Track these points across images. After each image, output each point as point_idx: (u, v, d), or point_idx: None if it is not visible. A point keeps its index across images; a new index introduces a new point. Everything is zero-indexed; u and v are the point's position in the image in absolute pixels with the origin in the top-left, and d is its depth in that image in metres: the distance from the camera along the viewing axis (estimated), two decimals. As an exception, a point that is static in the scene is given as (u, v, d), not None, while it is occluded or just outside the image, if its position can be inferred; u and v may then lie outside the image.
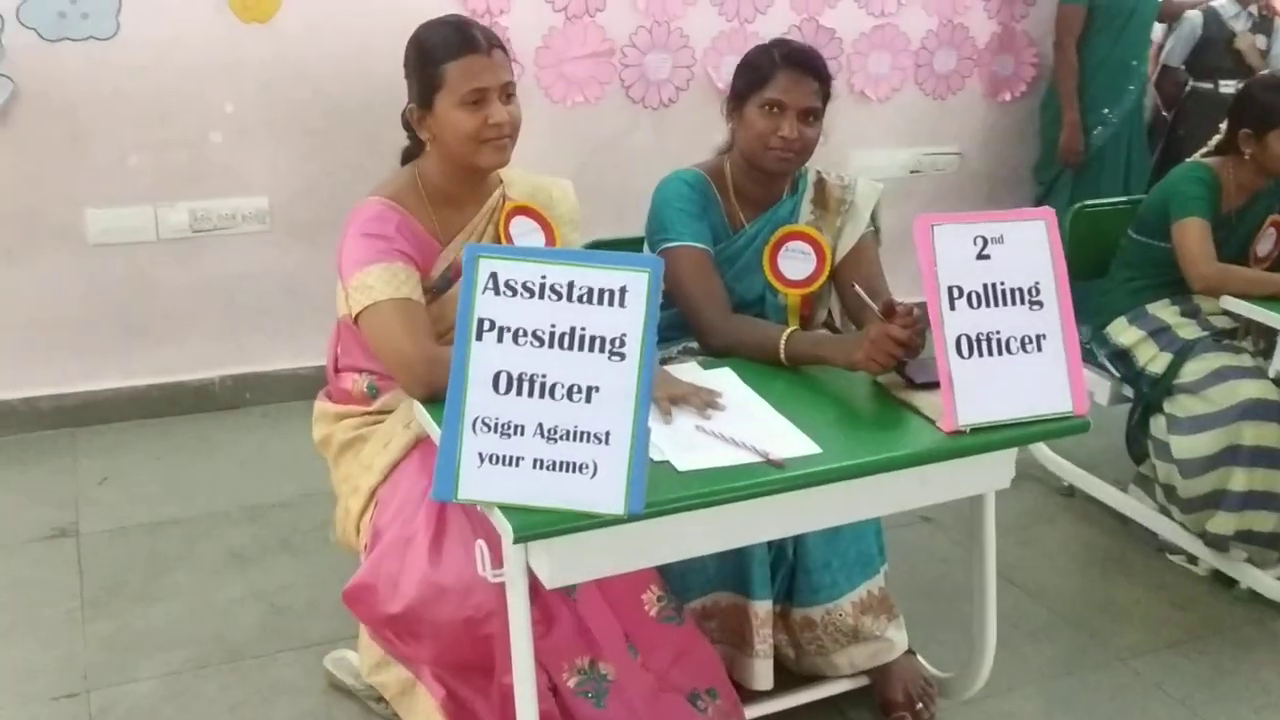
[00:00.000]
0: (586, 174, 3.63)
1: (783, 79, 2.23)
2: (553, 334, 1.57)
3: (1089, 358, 3.06)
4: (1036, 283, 1.94)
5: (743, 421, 1.87)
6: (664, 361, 2.19)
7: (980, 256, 1.92)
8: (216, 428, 3.43)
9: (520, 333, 1.57)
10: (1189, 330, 2.85)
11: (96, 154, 3.21)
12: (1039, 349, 1.93)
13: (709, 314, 2.20)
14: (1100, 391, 3.02)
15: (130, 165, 3.25)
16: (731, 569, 2.20)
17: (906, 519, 3.07)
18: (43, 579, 2.64)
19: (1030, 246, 1.95)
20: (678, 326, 2.31)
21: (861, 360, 1.97)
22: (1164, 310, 2.92)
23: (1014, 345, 1.92)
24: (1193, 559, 2.89)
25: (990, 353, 1.90)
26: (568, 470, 1.57)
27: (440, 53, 1.95)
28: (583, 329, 1.57)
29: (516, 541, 1.56)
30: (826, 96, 2.29)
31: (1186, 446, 2.75)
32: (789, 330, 2.09)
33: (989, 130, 4.41)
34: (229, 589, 2.62)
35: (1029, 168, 4.50)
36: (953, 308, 1.89)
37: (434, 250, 2.04)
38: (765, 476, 1.71)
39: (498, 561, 1.69)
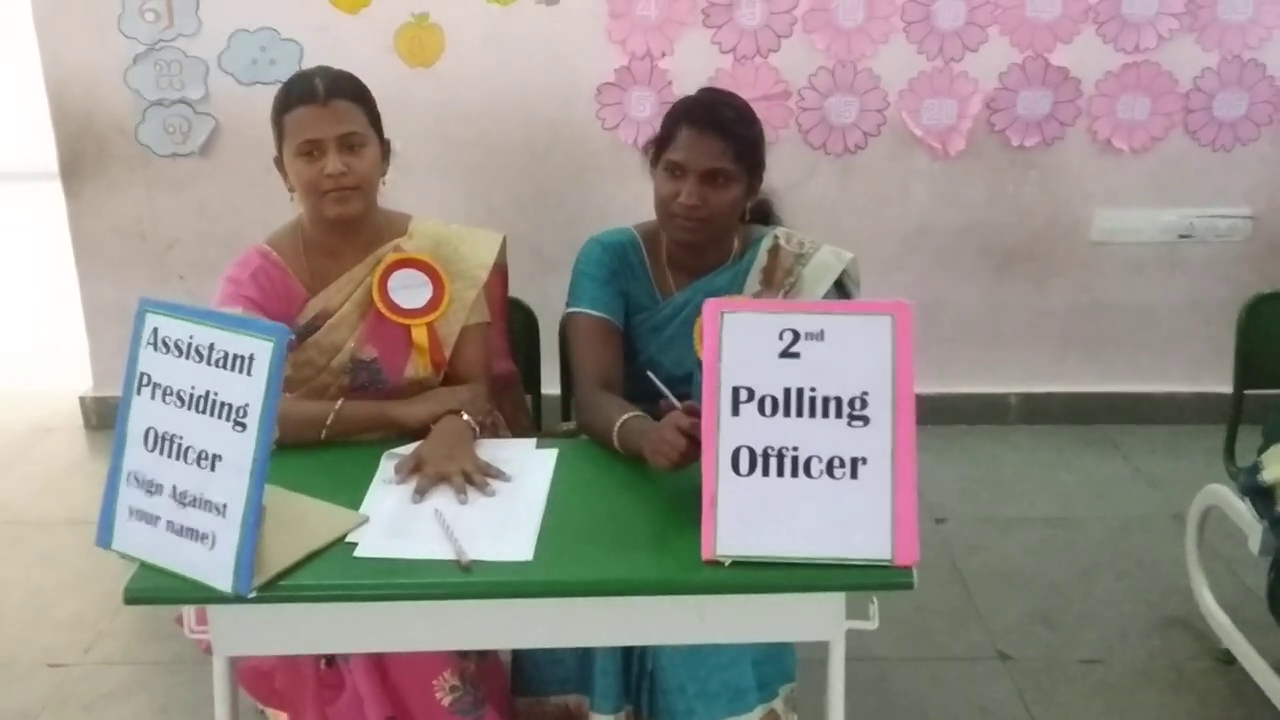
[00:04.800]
0: (759, 222, 3.42)
1: (683, 138, 1.98)
2: (191, 395, 1.53)
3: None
4: (864, 393, 1.57)
5: (491, 513, 1.70)
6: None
7: (786, 354, 1.59)
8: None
9: (168, 391, 1.55)
10: (1356, 473, 2.11)
11: (283, 184, 3.56)
12: (853, 475, 1.56)
13: (579, 387, 2.01)
14: (1254, 537, 2.33)
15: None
16: (586, 672, 1.98)
17: (980, 653, 2.58)
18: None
19: (863, 347, 1.59)
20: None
21: (648, 454, 1.71)
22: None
23: (817, 467, 1.56)
24: (1332, 779, 2.14)
25: (781, 473, 1.57)
26: (192, 537, 1.52)
27: (282, 104, 1.98)
28: (215, 394, 1.51)
29: (127, 602, 1.54)
30: (745, 155, 1.99)
31: (1311, 627, 2.05)
32: (625, 416, 1.85)
33: (1297, 190, 3.54)
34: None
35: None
36: (736, 413, 1.58)
37: (301, 298, 2.05)
38: (429, 579, 1.54)
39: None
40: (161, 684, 2.48)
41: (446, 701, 1.88)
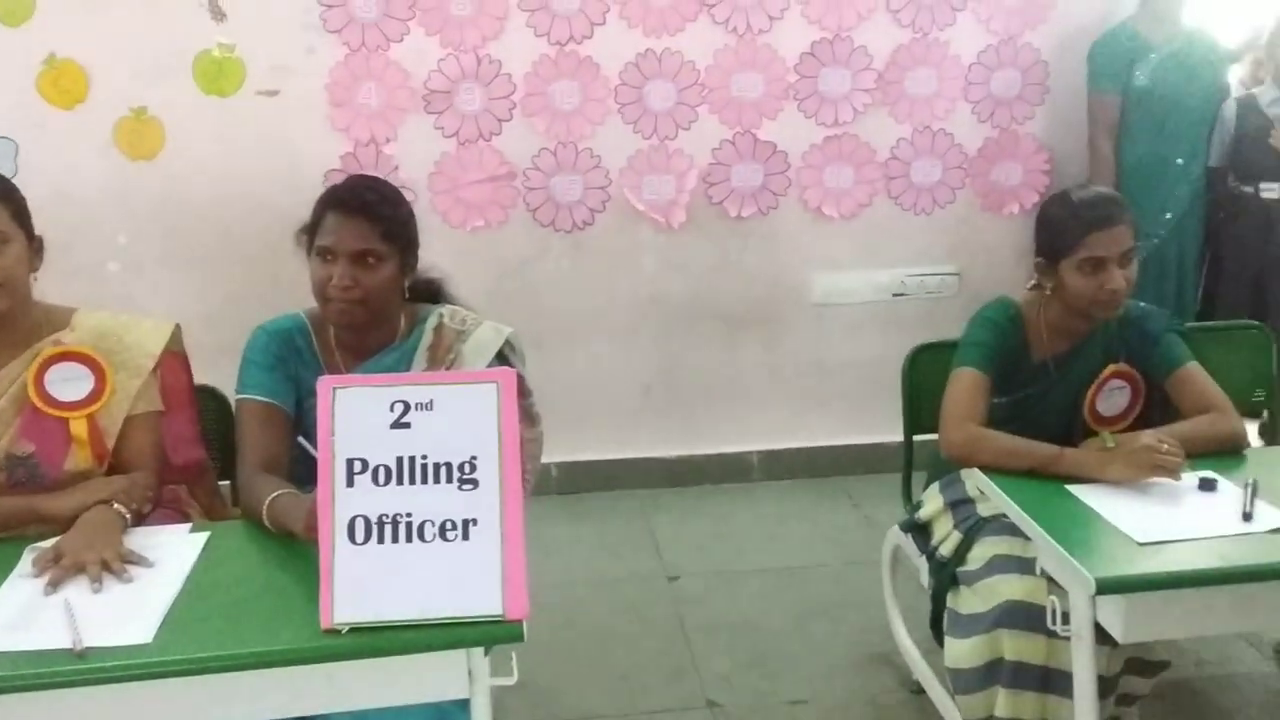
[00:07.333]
0: (496, 299, 3.49)
1: (330, 223, 2.06)
2: None
3: (909, 526, 2.54)
4: (473, 458, 1.65)
5: (121, 599, 1.70)
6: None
7: (397, 425, 1.65)
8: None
9: None
10: (993, 506, 2.29)
11: (4, 283, 3.49)
12: (465, 537, 1.63)
13: (240, 470, 2.04)
14: (923, 571, 2.49)
15: (38, 290, 3.49)
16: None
17: (690, 703, 2.66)
18: None
19: (471, 414, 1.66)
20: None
21: (300, 531, 1.75)
22: (975, 476, 2.37)
23: (430, 531, 1.63)
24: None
25: (395, 539, 1.62)
26: None
27: None
28: None
29: None
30: (393, 235, 2.07)
31: (954, 653, 2.20)
32: (274, 494, 1.89)
33: (994, 248, 3.83)
34: None
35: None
36: (351, 484, 1.63)
37: (-47, 398, 2.03)
38: (40, 669, 1.53)
39: None
40: None
41: (104, 797, 1.85)
